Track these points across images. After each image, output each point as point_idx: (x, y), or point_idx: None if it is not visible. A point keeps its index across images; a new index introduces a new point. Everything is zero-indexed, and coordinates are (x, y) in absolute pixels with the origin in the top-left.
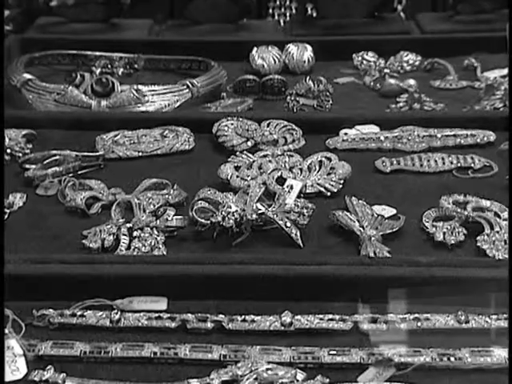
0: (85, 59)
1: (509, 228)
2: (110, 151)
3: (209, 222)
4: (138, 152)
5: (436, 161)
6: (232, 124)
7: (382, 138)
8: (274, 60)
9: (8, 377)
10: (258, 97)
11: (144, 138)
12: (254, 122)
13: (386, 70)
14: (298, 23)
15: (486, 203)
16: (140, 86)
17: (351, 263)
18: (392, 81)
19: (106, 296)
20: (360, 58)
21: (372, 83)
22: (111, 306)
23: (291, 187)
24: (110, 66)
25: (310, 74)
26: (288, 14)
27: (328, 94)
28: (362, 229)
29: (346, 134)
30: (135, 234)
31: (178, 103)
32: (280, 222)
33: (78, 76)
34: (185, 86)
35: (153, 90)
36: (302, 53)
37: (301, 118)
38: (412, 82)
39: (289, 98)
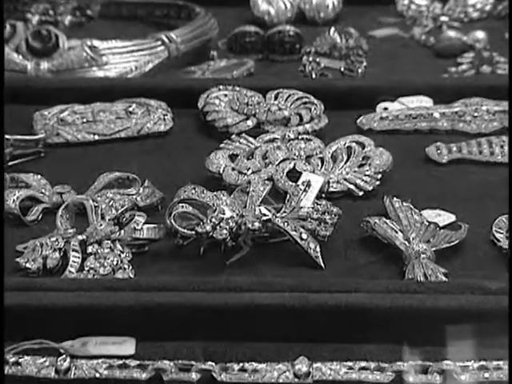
0: (16, 2)
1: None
2: (54, 133)
3: (193, 232)
4: (94, 135)
5: None
6: (226, 95)
7: (437, 114)
8: (285, 4)
9: None
10: (263, 57)
11: (102, 116)
12: (256, 92)
13: (444, 19)
14: None
15: None
16: (96, 42)
17: (392, 290)
18: (452, 33)
19: (51, 336)
20: (406, 1)
21: (423, 37)
22: (58, 350)
23: (308, 184)
24: (52, 13)
25: (335, 25)
26: None
27: (361, 52)
28: (407, 242)
29: (385, 109)
30: (90, 249)
31: (150, 66)
32: (293, 233)
33: (8, 27)
34: (159, 42)
35: (114, 48)
36: None
37: (322, 87)
38: (480, 35)
39: (306, 58)
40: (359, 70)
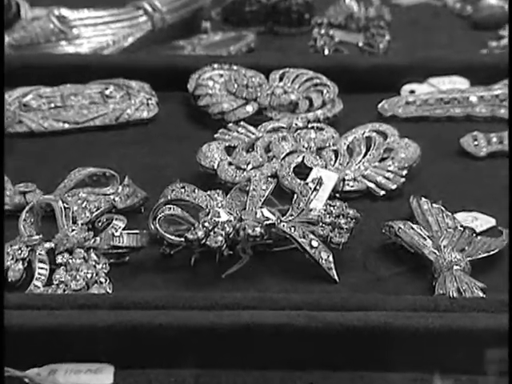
0: None
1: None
2: (16, 121)
3: (183, 239)
4: (64, 123)
5: None
6: (221, 76)
7: (474, 98)
8: None
9: None
10: (265, 29)
11: (73, 100)
12: (257, 72)
13: None
14: None
15: None
16: (64, 11)
17: (420, 308)
18: (492, 0)
19: (14, 362)
20: None
21: (459, 5)
22: (21, 380)
23: (320, 182)
24: None
25: None
26: None
27: (383, 23)
28: (437, 251)
29: (412, 92)
30: (60, 259)
31: (130, 40)
32: (301, 241)
33: None
34: (141, 11)
35: (86, 18)
36: None
37: (336, 66)
38: None
39: (317, 31)
40: (381, 45)
